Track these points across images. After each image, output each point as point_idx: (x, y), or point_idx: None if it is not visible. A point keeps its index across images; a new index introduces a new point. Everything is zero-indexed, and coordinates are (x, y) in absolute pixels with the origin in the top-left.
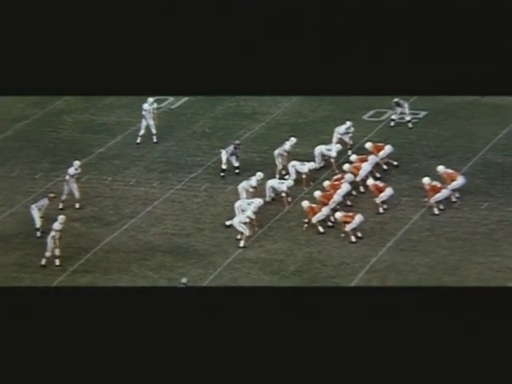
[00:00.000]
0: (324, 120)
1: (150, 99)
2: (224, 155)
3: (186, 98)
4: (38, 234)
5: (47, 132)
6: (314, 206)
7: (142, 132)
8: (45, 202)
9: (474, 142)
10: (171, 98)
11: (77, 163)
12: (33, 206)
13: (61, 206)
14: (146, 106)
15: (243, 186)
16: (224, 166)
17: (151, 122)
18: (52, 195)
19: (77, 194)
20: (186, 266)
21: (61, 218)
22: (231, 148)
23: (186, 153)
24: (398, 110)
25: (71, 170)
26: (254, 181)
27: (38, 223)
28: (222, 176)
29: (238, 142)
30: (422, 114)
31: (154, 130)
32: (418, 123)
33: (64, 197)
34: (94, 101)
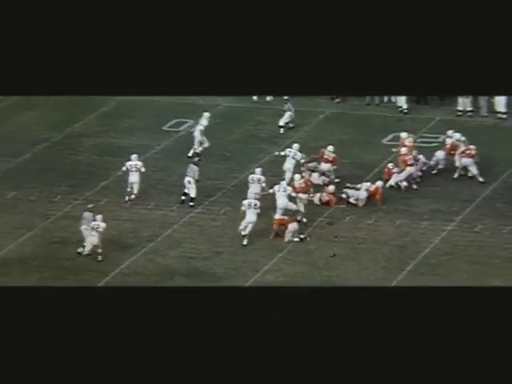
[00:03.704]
0: (343, 143)
1: (135, 155)
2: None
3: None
4: (81, 249)
5: (66, 155)
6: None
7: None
8: (89, 216)
9: (495, 165)
10: (190, 121)
11: (135, 156)
12: (84, 227)
13: (127, 198)
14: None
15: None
16: (186, 191)
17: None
18: (90, 206)
19: (136, 188)
20: None
21: (99, 217)
22: (192, 168)
23: (205, 176)
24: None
25: (131, 163)
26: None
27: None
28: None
29: (197, 158)
30: (442, 137)
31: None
32: (438, 146)
33: (129, 189)
34: (113, 123)
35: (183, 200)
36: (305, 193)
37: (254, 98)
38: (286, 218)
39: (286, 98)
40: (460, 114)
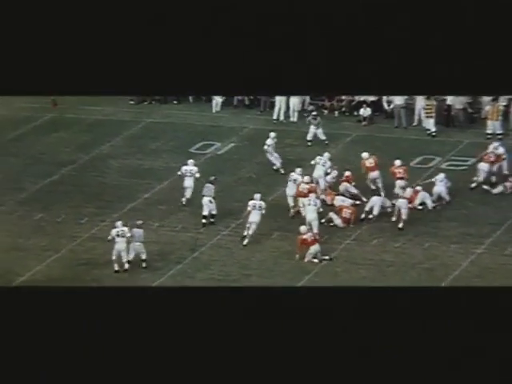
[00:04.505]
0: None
1: (191, 161)
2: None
3: (232, 144)
4: (127, 266)
5: (93, 177)
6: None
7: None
8: (140, 232)
9: None
10: (218, 144)
11: (191, 161)
12: (137, 244)
13: (183, 200)
14: (187, 167)
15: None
16: (205, 213)
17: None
18: (140, 222)
19: (189, 193)
20: None
21: (119, 223)
22: (208, 188)
23: (233, 198)
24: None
25: (186, 168)
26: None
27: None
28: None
29: (213, 177)
30: (471, 160)
31: (188, 195)
32: (467, 169)
33: (188, 196)
34: (140, 145)
35: (205, 223)
36: (304, 197)
37: (280, 118)
38: (309, 237)
39: (314, 113)
40: (489, 137)
